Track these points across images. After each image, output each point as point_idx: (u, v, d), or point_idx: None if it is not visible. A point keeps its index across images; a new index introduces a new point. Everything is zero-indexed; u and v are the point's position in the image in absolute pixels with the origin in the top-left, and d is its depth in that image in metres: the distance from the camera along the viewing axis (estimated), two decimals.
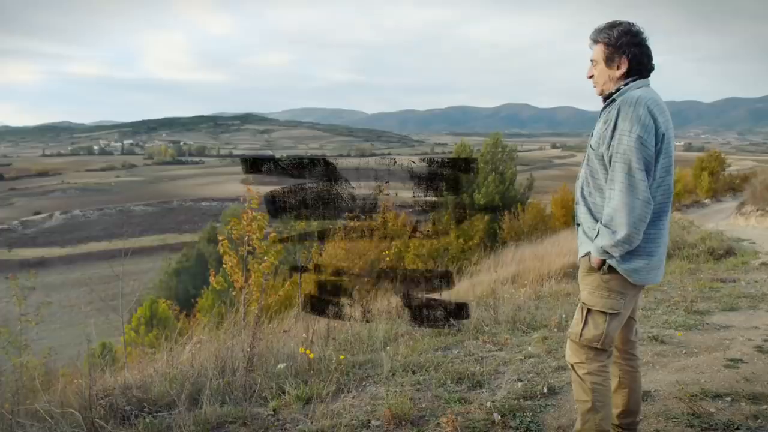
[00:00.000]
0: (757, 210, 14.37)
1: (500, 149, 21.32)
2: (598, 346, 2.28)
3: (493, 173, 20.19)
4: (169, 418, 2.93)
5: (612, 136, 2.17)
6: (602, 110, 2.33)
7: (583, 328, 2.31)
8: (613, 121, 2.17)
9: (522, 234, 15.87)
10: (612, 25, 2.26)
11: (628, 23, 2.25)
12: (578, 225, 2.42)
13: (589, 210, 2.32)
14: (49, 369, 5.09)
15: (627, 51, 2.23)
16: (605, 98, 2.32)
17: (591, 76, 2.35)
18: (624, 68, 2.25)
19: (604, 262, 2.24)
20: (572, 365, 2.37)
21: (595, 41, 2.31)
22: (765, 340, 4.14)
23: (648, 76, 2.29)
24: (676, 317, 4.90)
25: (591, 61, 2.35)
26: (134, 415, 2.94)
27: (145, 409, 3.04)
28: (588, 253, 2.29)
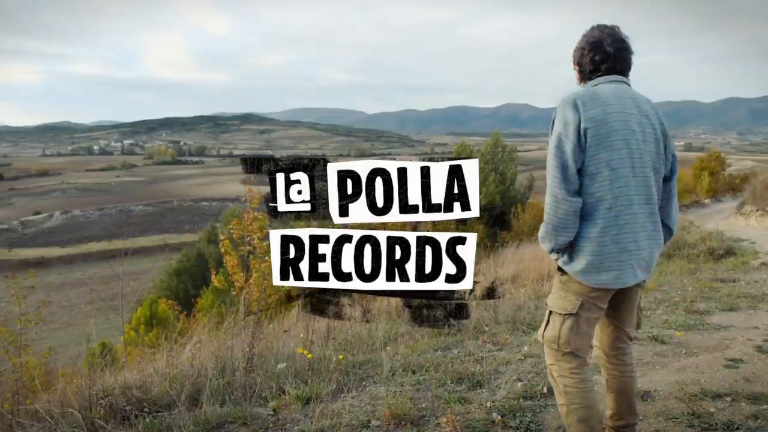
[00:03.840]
0: (757, 210, 14.37)
1: (500, 149, 21.33)
2: (555, 348, 2.28)
3: (493, 173, 20.20)
4: (169, 418, 2.93)
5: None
6: None
7: (544, 328, 2.34)
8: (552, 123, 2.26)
9: (522, 234, 15.88)
10: (584, 33, 2.35)
11: (589, 28, 2.33)
12: None
13: None
14: (49, 369, 5.09)
15: (575, 59, 2.36)
16: None
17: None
18: (577, 74, 2.37)
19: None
20: (548, 367, 2.38)
21: None
22: (765, 340, 4.14)
23: (613, 72, 2.25)
24: (676, 317, 4.90)
25: None
26: (134, 415, 2.94)
27: (145, 409, 3.04)
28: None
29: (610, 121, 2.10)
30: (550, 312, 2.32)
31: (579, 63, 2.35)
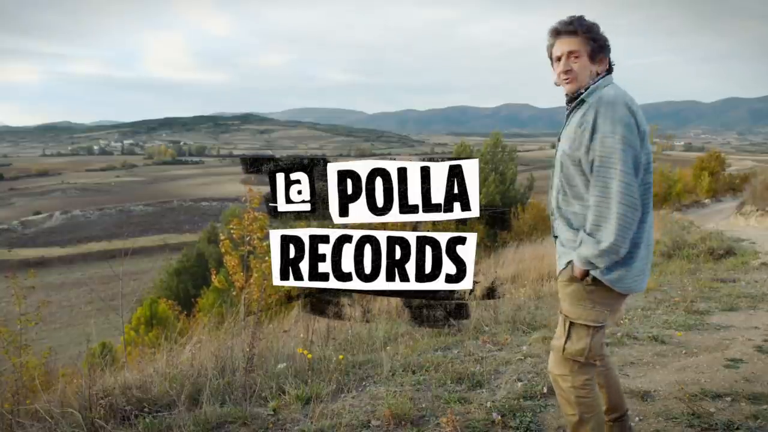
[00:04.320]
0: (757, 210, 14.37)
1: (500, 149, 21.32)
2: (582, 360, 2.17)
3: (494, 173, 20.20)
4: (169, 418, 2.93)
5: (591, 140, 2.02)
6: (570, 111, 2.20)
7: (566, 342, 2.19)
8: (590, 123, 2.03)
9: (522, 234, 15.88)
10: (591, 23, 2.15)
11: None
12: (555, 237, 2.31)
13: (567, 220, 2.19)
14: (49, 369, 5.08)
15: (608, 50, 2.18)
16: (573, 97, 2.18)
17: (569, 70, 2.14)
18: (605, 67, 2.17)
19: (587, 272, 2.11)
20: (555, 377, 2.25)
21: (573, 33, 2.13)
22: (765, 340, 4.14)
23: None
24: (676, 317, 4.90)
25: (568, 53, 2.15)
26: (134, 415, 2.94)
27: (145, 409, 3.04)
28: (569, 263, 2.17)
29: (645, 124, 2.09)
30: (571, 324, 2.18)
31: (609, 55, 2.18)
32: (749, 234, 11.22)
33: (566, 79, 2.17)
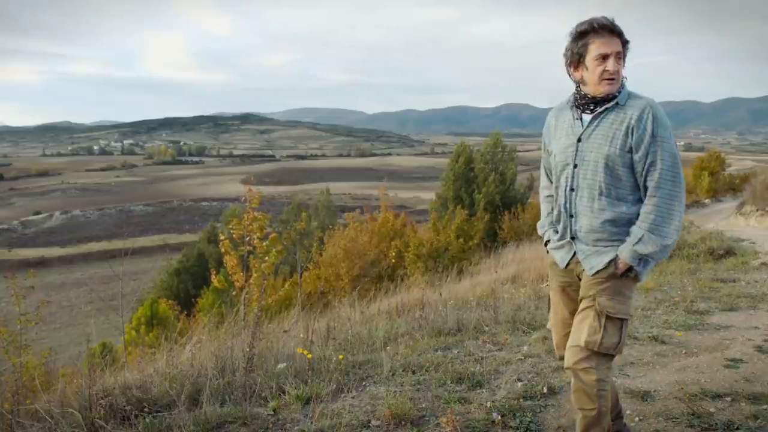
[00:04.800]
0: (757, 210, 14.36)
1: (500, 149, 21.30)
2: (614, 353, 2.23)
3: (493, 173, 20.18)
4: (169, 418, 2.93)
5: (651, 143, 2.13)
6: (603, 112, 2.18)
7: (603, 336, 2.21)
8: (649, 128, 2.12)
9: (522, 234, 15.87)
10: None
11: None
12: (573, 238, 2.31)
13: (612, 220, 2.22)
14: (49, 369, 5.09)
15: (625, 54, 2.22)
16: (603, 99, 2.18)
17: (617, 71, 2.13)
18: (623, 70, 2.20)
19: (630, 267, 2.20)
20: (577, 372, 2.24)
21: (619, 34, 2.13)
22: (765, 340, 4.14)
23: None
24: (676, 317, 4.90)
25: (616, 54, 2.13)
26: (134, 415, 2.94)
27: (145, 409, 3.04)
28: (611, 261, 2.21)
29: None
30: (607, 318, 2.21)
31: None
32: (749, 234, 11.22)
33: (609, 79, 2.14)
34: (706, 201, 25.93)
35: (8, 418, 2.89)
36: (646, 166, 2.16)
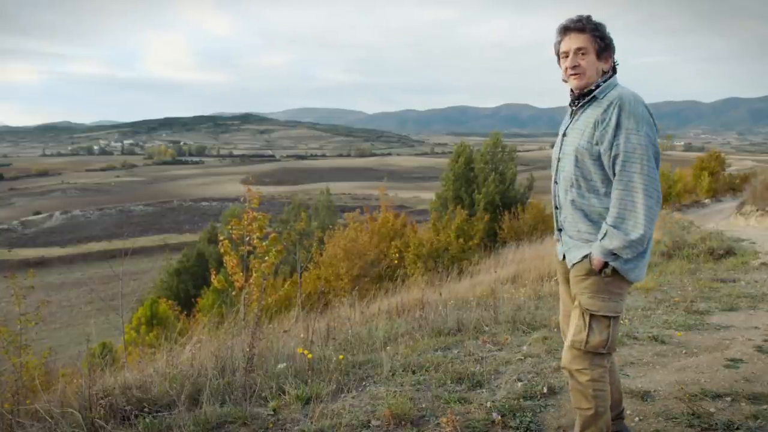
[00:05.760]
0: (757, 210, 14.36)
1: (500, 149, 21.29)
2: (603, 351, 2.22)
3: (493, 173, 20.17)
4: (169, 418, 2.93)
5: (615, 136, 2.10)
6: (580, 107, 2.27)
7: (588, 335, 2.22)
8: (614, 119, 2.11)
9: (522, 234, 15.86)
10: (595, 20, 2.22)
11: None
12: (560, 230, 2.37)
13: (584, 213, 2.24)
14: (49, 369, 5.09)
15: (613, 50, 2.25)
16: (582, 94, 2.25)
17: (576, 66, 2.22)
18: (611, 64, 2.25)
19: (605, 264, 2.17)
20: (572, 372, 2.28)
21: (581, 30, 2.21)
22: (765, 340, 4.14)
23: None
24: (676, 317, 4.90)
25: (576, 50, 2.21)
26: (134, 415, 2.94)
27: (145, 409, 3.04)
28: (586, 256, 2.22)
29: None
30: (592, 316, 2.22)
31: (614, 54, 2.26)
32: (749, 234, 11.22)
33: (573, 74, 2.23)
34: (706, 201, 25.93)
35: (8, 418, 2.89)
36: (611, 159, 2.13)
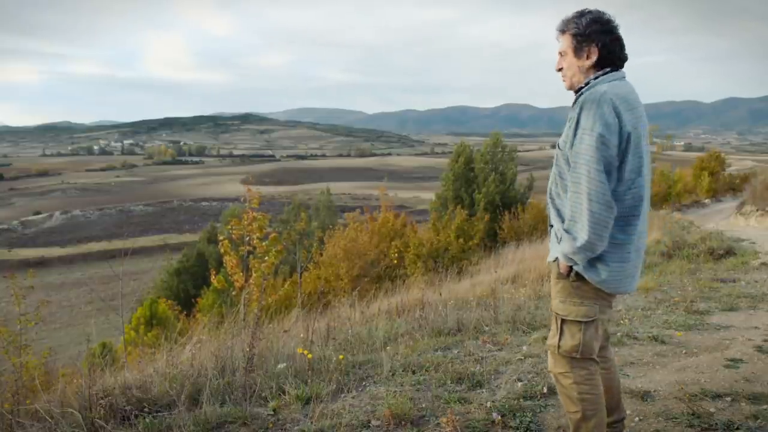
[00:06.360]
0: (757, 210, 14.37)
1: (500, 149, 21.30)
2: (577, 356, 2.18)
3: (493, 173, 20.18)
4: (169, 418, 2.93)
5: (574, 135, 2.04)
6: (572, 106, 2.20)
7: (560, 339, 2.20)
8: (575, 118, 2.05)
9: (522, 234, 15.87)
10: (581, 14, 2.15)
11: (598, 11, 2.14)
12: (551, 227, 2.33)
13: (558, 212, 2.21)
14: (49, 369, 5.09)
15: (597, 39, 2.11)
16: (576, 93, 2.20)
17: (560, 69, 2.22)
18: (594, 58, 2.13)
19: (571, 268, 2.14)
20: (556, 376, 2.27)
21: (563, 31, 2.18)
22: (765, 340, 4.14)
23: (622, 66, 2.17)
24: (676, 317, 4.90)
25: (559, 53, 2.22)
26: (134, 415, 2.94)
27: (145, 409, 3.04)
28: (557, 258, 2.19)
29: (640, 126, 2.07)
30: (563, 321, 2.20)
31: (603, 43, 2.11)
32: (749, 234, 11.22)
33: (561, 77, 2.25)
34: (706, 201, 25.93)
35: (8, 418, 2.89)
36: (570, 158, 2.08)
